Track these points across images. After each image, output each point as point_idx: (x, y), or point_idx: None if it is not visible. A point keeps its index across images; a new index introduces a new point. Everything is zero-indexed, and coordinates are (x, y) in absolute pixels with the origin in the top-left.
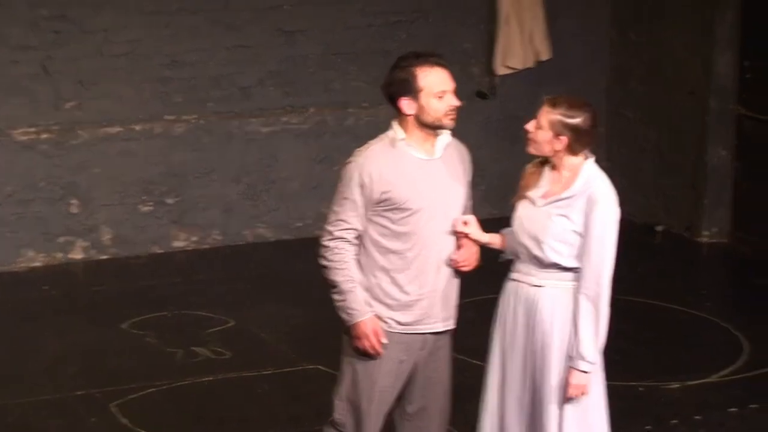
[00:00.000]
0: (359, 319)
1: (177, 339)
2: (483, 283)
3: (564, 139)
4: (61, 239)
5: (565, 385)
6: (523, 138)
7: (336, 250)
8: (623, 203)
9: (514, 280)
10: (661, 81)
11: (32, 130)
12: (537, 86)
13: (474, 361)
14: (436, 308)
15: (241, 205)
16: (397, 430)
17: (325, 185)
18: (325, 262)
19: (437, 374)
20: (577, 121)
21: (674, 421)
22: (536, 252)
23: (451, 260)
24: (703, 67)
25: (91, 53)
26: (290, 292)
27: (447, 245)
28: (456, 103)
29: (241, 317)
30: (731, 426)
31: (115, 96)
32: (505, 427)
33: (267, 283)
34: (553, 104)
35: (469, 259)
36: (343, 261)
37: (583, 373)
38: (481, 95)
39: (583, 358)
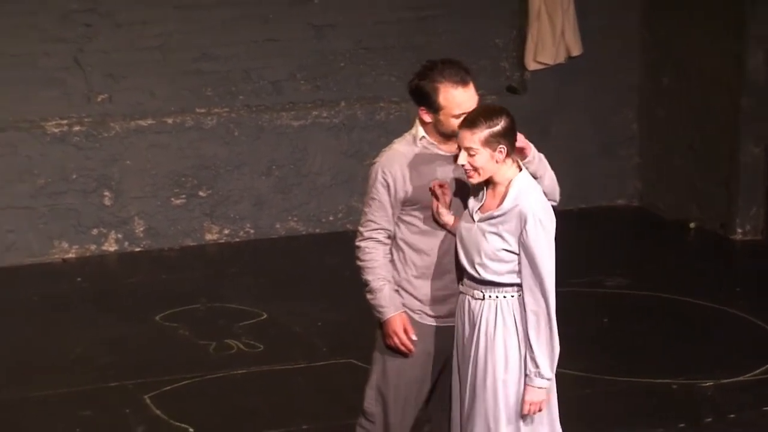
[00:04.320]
0: (388, 317)
1: (209, 332)
2: None
3: (503, 148)
4: (94, 231)
5: (520, 400)
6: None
7: (367, 250)
8: (655, 199)
9: (461, 292)
10: (692, 78)
11: (64, 122)
12: (568, 82)
13: None
14: None
15: (272, 198)
16: None
17: (356, 179)
18: (358, 262)
19: None
20: (503, 124)
21: (708, 420)
22: (470, 271)
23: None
24: (735, 63)
25: (123, 46)
26: (322, 286)
27: None
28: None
29: (273, 310)
30: (765, 424)
31: (147, 89)
32: None
33: (298, 277)
34: (472, 125)
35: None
36: (373, 260)
37: (540, 390)
38: (512, 90)
39: (540, 376)
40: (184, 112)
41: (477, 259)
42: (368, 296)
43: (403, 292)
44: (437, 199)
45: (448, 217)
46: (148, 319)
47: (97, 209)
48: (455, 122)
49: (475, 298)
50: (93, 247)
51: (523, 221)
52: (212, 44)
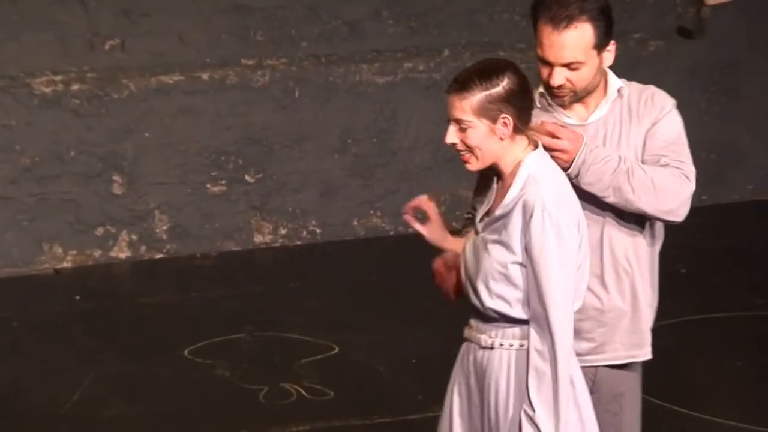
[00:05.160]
0: None
1: (259, 372)
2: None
3: (508, 119)
4: (99, 231)
5: None
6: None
7: None
8: None
9: (465, 338)
10: None
11: (58, 78)
12: (758, 24)
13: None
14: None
15: (347, 185)
16: None
17: None
18: None
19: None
20: (507, 84)
21: None
22: (474, 301)
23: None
24: None
25: None
26: (415, 308)
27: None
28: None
29: (348, 342)
30: None
31: (173, 32)
32: None
33: (383, 295)
34: (462, 87)
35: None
36: None
37: None
38: (684, 33)
39: None
40: (224, 64)
41: (478, 283)
42: None
43: None
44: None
45: (446, 242)
46: (173, 354)
47: (102, 200)
48: (543, 74)
49: (483, 347)
50: (97, 253)
51: (528, 215)
52: None
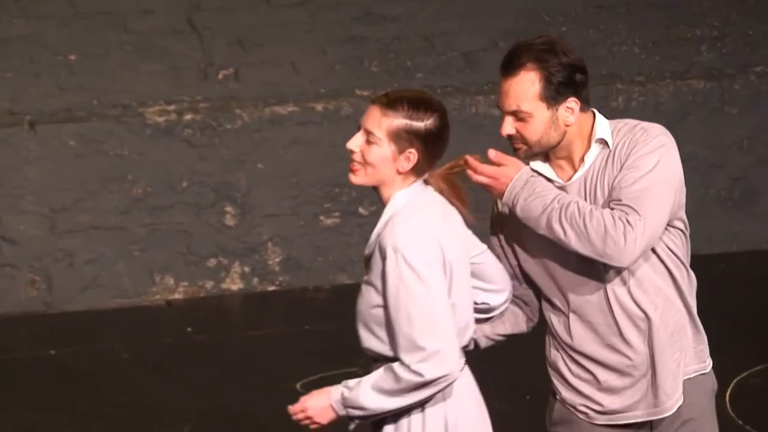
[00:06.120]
0: None
1: None
2: None
3: (414, 155)
4: (211, 262)
5: None
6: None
7: None
8: None
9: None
10: None
11: (171, 108)
12: None
13: None
14: None
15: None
16: None
17: None
18: None
19: None
20: (431, 123)
21: None
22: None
23: None
24: None
25: (255, 1)
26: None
27: None
28: None
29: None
30: None
31: (287, 62)
32: None
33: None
34: (389, 105)
35: None
36: None
37: (327, 406)
38: None
39: (346, 396)
40: (338, 95)
41: (358, 323)
42: None
43: None
44: None
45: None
46: (285, 388)
47: (215, 231)
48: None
49: None
50: (209, 284)
51: (383, 259)
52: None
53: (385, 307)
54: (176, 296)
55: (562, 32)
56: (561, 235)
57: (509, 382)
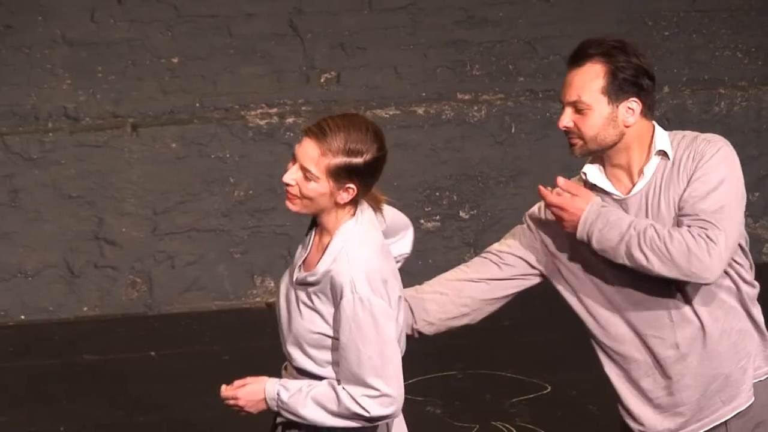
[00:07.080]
0: None
1: (470, 409)
2: None
3: (353, 189)
4: None
5: None
6: None
7: None
8: None
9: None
10: None
11: (273, 111)
12: None
13: None
14: None
15: None
16: None
17: None
18: None
19: None
20: (367, 157)
21: None
22: (285, 349)
23: None
24: None
25: (357, 5)
26: None
27: None
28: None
29: (561, 381)
30: None
31: (389, 66)
32: None
33: None
34: (328, 145)
35: None
36: None
37: (261, 399)
38: None
39: (281, 394)
40: (440, 99)
41: (289, 344)
42: None
43: None
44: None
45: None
46: None
47: None
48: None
49: None
50: None
51: (338, 296)
52: (481, 3)
53: (333, 338)
54: (276, 299)
55: (664, 36)
56: (643, 261)
57: None
